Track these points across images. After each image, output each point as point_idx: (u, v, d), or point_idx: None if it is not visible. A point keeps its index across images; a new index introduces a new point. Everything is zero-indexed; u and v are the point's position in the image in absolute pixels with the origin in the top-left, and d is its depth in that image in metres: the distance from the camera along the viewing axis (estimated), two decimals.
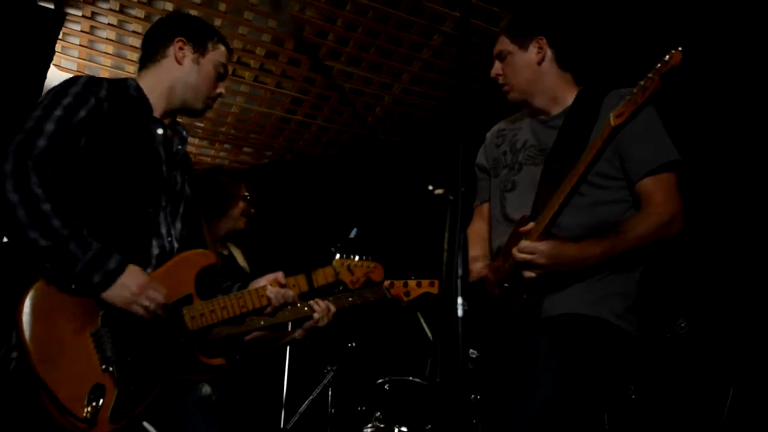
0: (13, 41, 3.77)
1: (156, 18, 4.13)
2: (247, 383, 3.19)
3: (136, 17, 4.17)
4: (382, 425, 3.78)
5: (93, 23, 4.23)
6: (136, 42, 4.42)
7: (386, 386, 3.91)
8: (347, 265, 2.45)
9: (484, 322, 2.23)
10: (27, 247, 1.77)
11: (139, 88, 2.13)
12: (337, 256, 2.46)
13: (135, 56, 4.55)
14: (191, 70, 2.19)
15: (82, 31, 4.31)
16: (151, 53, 2.21)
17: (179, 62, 2.18)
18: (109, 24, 4.24)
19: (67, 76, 4.68)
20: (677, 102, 3.49)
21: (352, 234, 3.87)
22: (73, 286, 1.80)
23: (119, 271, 1.83)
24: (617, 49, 4.30)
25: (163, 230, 2.07)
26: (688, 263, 3.99)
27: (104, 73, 4.74)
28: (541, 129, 2.30)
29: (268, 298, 2.19)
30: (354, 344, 4.63)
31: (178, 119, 2.29)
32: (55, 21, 4.00)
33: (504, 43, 2.33)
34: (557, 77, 2.30)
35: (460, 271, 1.22)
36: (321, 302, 2.55)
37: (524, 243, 2.04)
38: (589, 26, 4.14)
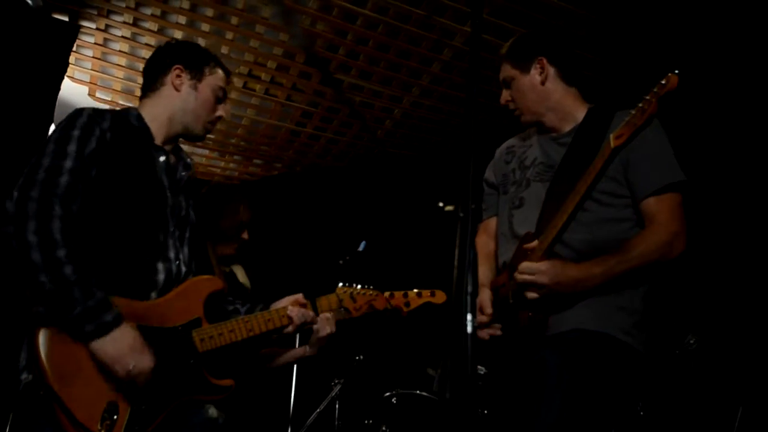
0: (28, 53, 3.81)
1: (169, 31, 4.19)
2: (255, 396, 3.19)
3: (149, 30, 4.21)
4: None
5: (106, 36, 4.28)
6: (149, 55, 4.45)
7: (393, 399, 3.90)
8: (350, 293, 2.48)
9: (491, 338, 2.23)
10: (33, 288, 1.80)
11: (140, 118, 2.16)
12: (340, 284, 2.49)
13: None
14: (189, 96, 2.22)
15: (95, 43, 4.35)
16: (150, 82, 2.25)
17: (177, 89, 2.21)
18: (122, 36, 4.29)
19: (80, 87, 4.75)
20: (684, 116, 3.49)
21: (361, 247, 3.87)
22: (65, 327, 1.81)
23: (113, 325, 1.83)
24: (626, 63, 4.31)
25: (171, 254, 2.10)
26: (697, 279, 3.97)
27: (117, 85, 4.79)
28: (551, 146, 2.32)
29: (290, 318, 2.24)
30: (361, 357, 4.63)
31: (181, 144, 2.33)
32: (69, 33, 4.05)
33: (507, 70, 2.37)
34: (564, 93, 2.33)
35: (469, 288, 1.23)
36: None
37: (525, 264, 2.06)
38: (598, 41, 4.16)
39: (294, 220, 6.14)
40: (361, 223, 5.85)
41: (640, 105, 1.93)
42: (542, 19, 3.96)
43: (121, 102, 4.97)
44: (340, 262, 4.02)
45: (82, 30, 4.18)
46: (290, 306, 2.27)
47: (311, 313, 2.31)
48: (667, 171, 2.12)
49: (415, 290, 2.63)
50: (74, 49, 4.20)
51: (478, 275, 2.35)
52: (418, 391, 3.88)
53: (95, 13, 4.06)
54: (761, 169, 4.05)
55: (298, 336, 2.60)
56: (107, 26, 4.19)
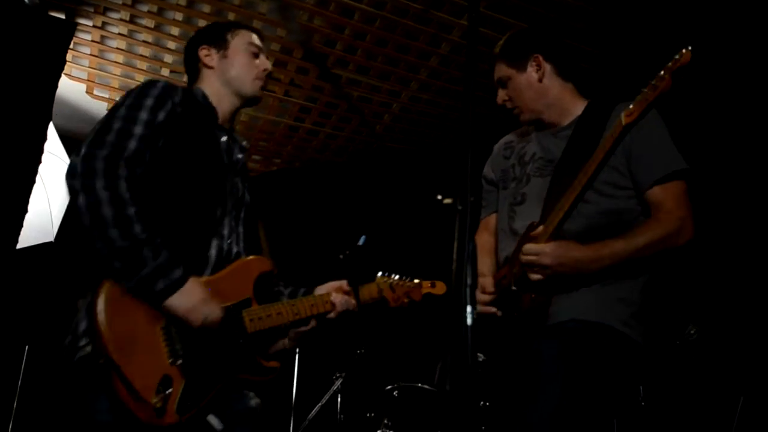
0: (25, 51, 3.80)
1: (166, 28, 4.19)
2: (257, 389, 3.21)
3: (146, 27, 4.21)
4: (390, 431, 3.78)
5: (103, 33, 4.27)
6: (146, 51, 4.46)
7: (395, 393, 3.92)
8: (389, 284, 2.50)
9: (492, 326, 2.24)
10: (102, 243, 1.81)
11: (205, 96, 2.21)
12: (379, 273, 2.51)
13: (145, 66, 4.59)
14: (223, 66, 2.25)
15: (92, 40, 4.35)
16: (192, 75, 2.31)
17: (211, 66, 2.25)
18: (119, 34, 4.29)
19: (77, 85, 4.75)
20: (685, 108, 3.50)
21: (361, 241, 3.88)
22: (135, 287, 1.83)
23: (182, 281, 1.86)
24: (625, 55, 4.31)
25: (225, 232, 2.12)
26: (698, 270, 3.98)
27: (114, 83, 4.79)
28: (550, 140, 2.31)
29: (333, 304, 2.25)
30: (363, 351, 4.64)
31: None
32: (66, 31, 4.04)
33: (502, 70, 2.35)
34: (561, 89, 2.32)
35: (468, 280, 1.23)
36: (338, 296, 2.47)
37: (529, 245, 2.05)
38: (596, 33, 4.16)
39: (293, 215, 6.15)
40: (360, 217, 5.86)
41: (653, 82, 1.90)
42: (539, 12, 3.96)
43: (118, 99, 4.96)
44: (340, 256, 4.03)
45: (78, 27, 4.18)
46: (334, 293, 2.28)
47: (354, 302, 2.31)
48: (670, 160, 2.12)
49: (416, 281, 2.64)
50: (71, 46, 4.19)
51: (480, 266, 2.37)
52: (419, 384, 3.90)
53: (92, 10, 4.06)
54: (761, 161, 4.05)
55: None
56: (104, 23, 4.19)
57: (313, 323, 2.29)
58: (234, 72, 2.26)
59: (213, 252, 2.06)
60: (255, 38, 2.34)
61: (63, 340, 1.91)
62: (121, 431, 1.80)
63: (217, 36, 2.30)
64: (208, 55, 2.26)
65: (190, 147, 2.05)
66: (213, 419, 1.97)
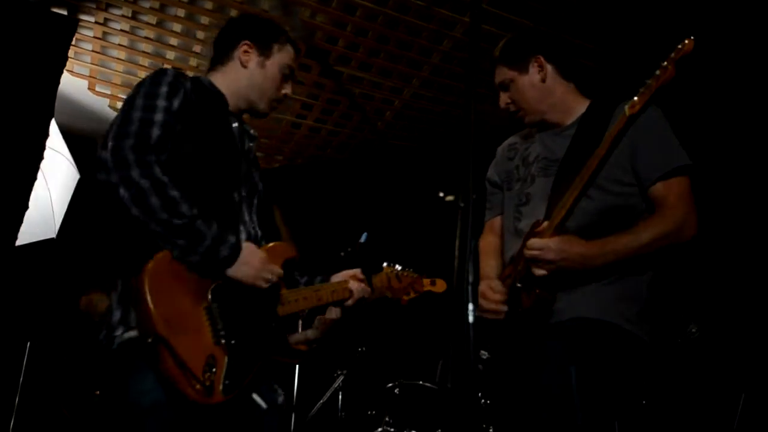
0: (27, 47, 3.81)
1: (168, 24, 4.18)
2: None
3: (148, 23, 4.21)
4: (392, 429, 3.79)
5: (105, 29, 4.27)
6: (149, 48, 4.46)
7: (396, 390, 3.92)
8: (396, 273, 2.53)
9: (496, 323, 2.24)
10: (160, 227, 1.82)
11: (213, 85, 2.19)
12: (385, 264, 2.54)
13: (147, 62, 4.59)
14: (255, 73, 2.22)
15: (94, 37, 4.34)
16: (219, 55, 2.26)
17: (244, 65, 2.21)
18: (121, 30, 4.28)
19: (79, 81, 4.74)
20: (687, 104, 3.49)
21: (363, 238, 3.87)
22: (201, 260, 1.85)
23: (239, 244, 1.91)
24: (628, 52, 4.30)
25: (246, 217, 2.14)
26: (699, 268, 3.97)
27: (116, 79, 4.78)
28: (553, 140, 2.31)
29: (350, 291, 2.30)
30: (364, 348, 4.64)
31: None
32: (68, 27, 4.04)
33: (503, 73, 2.34)
34: (564, 89, 2.32)
35: (470, 278, 1.23)
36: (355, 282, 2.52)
37: (533, 240, 2.04)
38: (597, 30, 4.15)
39: (295, 212, 6.14)
40: (362, 214, 5.85)
41: (656, 72, 1.91)
42: (541, 9, 3.95)
43: (121, 96, 4.96)
44: (342, 254, 4.03)
45: (81, 24, 4.17)
46: (350, 280, 2.31)
47: (369, 289, 2.35)
48: (673, 156, 2.11)
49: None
50: (73, 42, 4.19)
51: (485, 269, 2.37)
52: (420, 382, 3.90)
53: (94, 6, 4.05)
54: (763, 158, 4.05)
55: (300, 321, 2.61)
56: (106, 20, 4.19)
57: (338, 312, 2.33)
58: (261, 84, 2.23)
59: (243, 236, 2.08)
60: (294, 60, 2.30)
61: (96, 336, 1.94)
62: (171, 407, 1.82)
63: (263, 39, 2.24)
64: (247, 53, 2.21)
65: (206, 133, 2.05)
66: (258, 398, 2.03)
